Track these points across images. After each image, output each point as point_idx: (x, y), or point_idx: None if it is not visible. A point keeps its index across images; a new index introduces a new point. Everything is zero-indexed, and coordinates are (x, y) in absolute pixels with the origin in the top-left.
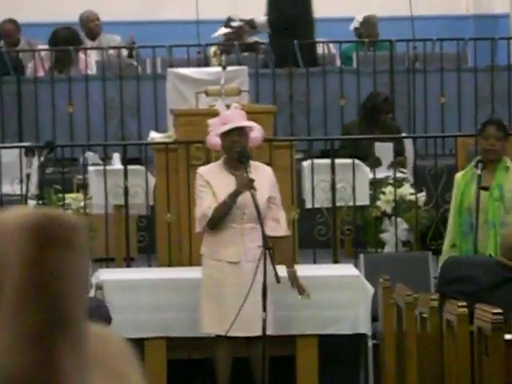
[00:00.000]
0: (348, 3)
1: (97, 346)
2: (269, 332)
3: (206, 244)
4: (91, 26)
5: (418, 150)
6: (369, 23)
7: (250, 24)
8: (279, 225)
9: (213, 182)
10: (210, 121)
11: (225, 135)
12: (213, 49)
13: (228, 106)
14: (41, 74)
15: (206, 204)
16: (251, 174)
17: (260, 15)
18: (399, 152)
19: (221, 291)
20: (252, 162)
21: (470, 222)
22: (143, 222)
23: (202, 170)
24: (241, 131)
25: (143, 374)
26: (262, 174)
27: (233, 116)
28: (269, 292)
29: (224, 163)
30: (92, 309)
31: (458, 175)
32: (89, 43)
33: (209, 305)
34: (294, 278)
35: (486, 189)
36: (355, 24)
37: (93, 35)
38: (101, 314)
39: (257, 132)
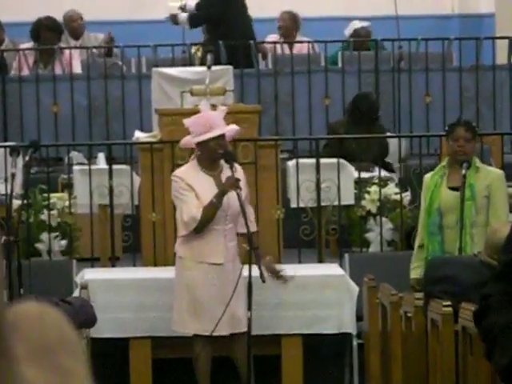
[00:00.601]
0: (334, 3)
1: (31, 335)
2: (252, 331)
3: (187, 246)
4: (74, 25)
5: (403, 150)
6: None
7: (173, 19)
8: (252, 221)
9: (194, 185)
10: (188, 121)
11: (213, 138)
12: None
13: (214, 106)
14: (25, 72)
15: (193, 207)
16: (224, 174)
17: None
18: (383, 153)
19: (202, 292)
20: (221, 162)
21: (439, 223)
22: (128, 222)
23: (179, 173)
24: (223, 135)
25: (88, 366)
26: (240, 174)
27: (218, 119)
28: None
29: (199, 164)
30: (76, 308)
31: (427, 176)
32: (72, 42)
33: (187, 305)
34: (273, 268)
35: (456, 189)
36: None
37: (76, 35)
38: (85, 313)
39: (232, 132)
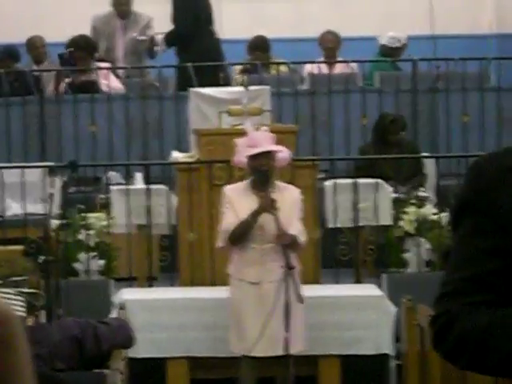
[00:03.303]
0: (371, 22)
1: None
2: (300, 348)
3: (232, 263)
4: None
5: (440, 170)
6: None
7: (152, 41)
8: (299, 232)
9: (235, 201)
10: (238, 140)
11: (252, 157)
12: (237, 67)
13: (257, 128)
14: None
15: (228, 220)
16: (275, 195)
17: (282, 32)
18: (417, 170)
19: (243, 311)
20: (280, 184)
21: None
22: (165, 242)
23: (227, 188)
24: (268, 154)
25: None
26: (289, 196)
27: (261, 139)
28: (298, 310)
29: (250, 184)
30: (114, 328)
31: None
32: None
33: (233, 324)
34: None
35: None
36: (383, 40)
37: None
38: (123, 333)
39: (284, 153)
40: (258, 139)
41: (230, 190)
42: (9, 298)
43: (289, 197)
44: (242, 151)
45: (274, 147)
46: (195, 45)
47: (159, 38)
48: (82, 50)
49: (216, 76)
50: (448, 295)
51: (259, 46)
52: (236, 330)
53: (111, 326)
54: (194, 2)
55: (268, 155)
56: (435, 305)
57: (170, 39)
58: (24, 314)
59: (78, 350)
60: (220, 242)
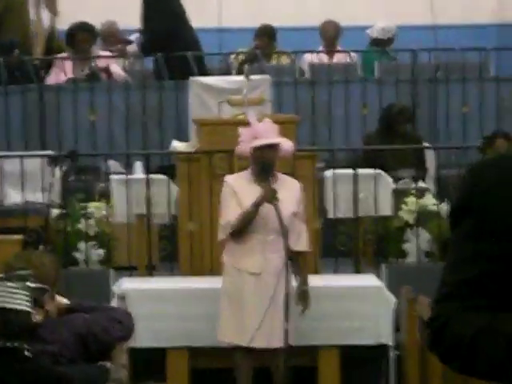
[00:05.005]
0: (371, 12)
1: None
2: (290, 343)
3: (229, 253)
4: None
5: (440, 160)
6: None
7: (121, 52)
8: (300, 240)
9: (239, 191)
10: (242, 130)
11: (256, 148)
12: (240, 57)
13: (260, 118)
14: (63, 78)
15: (230, 212)
16: (276, 186)
17: (282, 22)
18: (419, 163)
19: (241, 301)
20: (281, 176)
21: None
22: (165, 232)
23: (229, 178)
24: (272, 146)
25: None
26: (290, 188)
27: (266, 130)
28: (292, 303)
29: (252, 174)
30: (119, 323)
31: None
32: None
33: (228, 314)
34: (302, 297)
35: None
36: (375, 33)
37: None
38: (127, 327)
39: (287, 145)
40: (263, 130)
41: (232, 179)
42: (14, 293)
43: (291, 189)
44: (246, 141)
45: (278, 139)
46: (174, 43)
47: (131, 48)
48: (84, 32)
49: (204, 67)
50: (444, 297)
51: (267, 33)
52: (230, 320)
53: (117, 320)
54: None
55: (272, 147)
56: (432, 307)
57: (147, 48)
58: (29, 309)
59: (83, 347)
60: (221, 235)
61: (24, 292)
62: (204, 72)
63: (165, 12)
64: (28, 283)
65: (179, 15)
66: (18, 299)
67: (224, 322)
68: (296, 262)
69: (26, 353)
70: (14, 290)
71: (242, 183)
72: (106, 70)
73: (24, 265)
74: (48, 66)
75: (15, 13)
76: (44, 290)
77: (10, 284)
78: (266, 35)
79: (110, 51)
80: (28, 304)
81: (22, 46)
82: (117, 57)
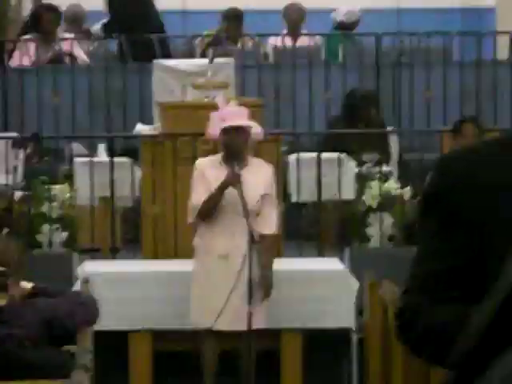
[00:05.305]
0: None
1: None
2: (262, 326)
3: (199, 236)
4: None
5: (403, 144)
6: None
7: (86, 34)
8: (266, 223)
9: (208, 175)
10: (212, 113)
11: (223, 131)
12: (205, 41)
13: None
14: (26, 60)
15: (198, 195)
16: (246, 170)
17: (246, 4)
18: (383, 148)
19: (210, 284)
20: (254, 159)
21: None
22: (129, 215)
23: (199, 161)
24: (239, 129)
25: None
26: (260, 171)
27: (233, 113)
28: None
29: (222, 158)
30: (83, 307)
31: None
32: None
33: (197, 296)
34: (264, 282)
35: None
36: (339, 16)
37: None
38: (92, 311)
39: (256, 129)
40: (231, 114)
41: (201, 163)
42: None
43: (260, 172)
44: (215, 125)
45: (245, 122)
46: (138, 25)
47: (95, 29)
48: (49, 12)
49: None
50: (414, 290)
51: (235, 17)
52: (199, 304)
53: (82, 305)
54: None
55: (239, 130)
56: (401, 298)
57: (110, 29)
58: None
59: (48, 331)
60: (190, 218)
61: None
62: (167, 54)
63: None
64: None
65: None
66: None
67: (193, 305)
68: (263, 246)
69: None
70: None
71: (211, 166)
72: (70, 54)
73: None
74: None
75: None
76: (6, 274)
77: None
78: (234, 18)
79: (74, 33)
80: None
81: None
82: (81, 39)
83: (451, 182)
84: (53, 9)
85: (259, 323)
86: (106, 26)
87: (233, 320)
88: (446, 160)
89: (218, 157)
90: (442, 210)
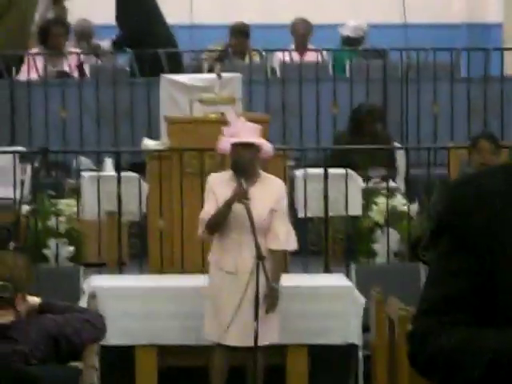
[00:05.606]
0: (340, 10)
1: None
2: (274, 341)
3: (212, 252)
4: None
5: (410, 160)
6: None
7: (95, 49)
8: (276, 238)
9: (217, 190)
10: (224, 128)
11: (233, 147)
12: (212, 55)
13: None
14: (34, 75)
15: (207, 209)
16: (256, 186)
17: (253, 19)
18: (389, 163)
19: (220, 300)
20: (264, 175)
21: None
22: (135, 229)
23: (211, 176)
24: (248, 145)
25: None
26: (270, 187)
27: (243, 129)
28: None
29: (233, 173)
30: (90, 324)
31: None
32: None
33: (209, 312)
34: (270, 295)
35: None
36: (347, 31)
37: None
38: (99, 328)
39: (265, 146)
40: (240, 129)
41: (213, 178)
42: None
43: (271, 187)
44: (226, 139)
45: (254, 139)
46: (147, 40)
47: (105, 44)
48: (58, 26)
49: (178, 64)
50: (424, 313)
51: (242, 31)
52: (212, 318)
53: (88, 322)
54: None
55: (248, 146)
56: (412, 322)
57: (120, 44)
58: None
59: (54, 348)
60: (200, 230)
61: None
62: (180, 69)
63: (138, 9)
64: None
65: (153, 12)
66: None
67: (205, 320)
68: (272, 261)
69: None
70: None
71: (221, 181)
72: (79, 68)
73: None
74: (20, 61)
75: (18, 7)
76: (5, 287)
77: None
78: (241, 33)
79: (83, 49)
80: None
81: (15, 42)
82: (89, 54)
83: (463, 207)
84: (62, 23)
85: (271, 338)
86: (115, 42)
87: (241, 335)
88: (457, 185)
89: (230, 172)
90: (454, 234)
